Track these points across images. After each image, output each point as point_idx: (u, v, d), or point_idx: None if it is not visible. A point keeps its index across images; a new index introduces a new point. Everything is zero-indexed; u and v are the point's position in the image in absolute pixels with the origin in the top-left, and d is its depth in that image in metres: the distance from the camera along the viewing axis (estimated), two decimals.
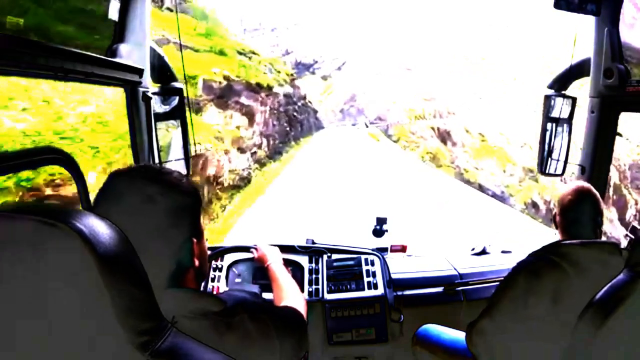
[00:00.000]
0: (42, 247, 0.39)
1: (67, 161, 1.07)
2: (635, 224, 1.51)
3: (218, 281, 1.67)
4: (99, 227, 0.42)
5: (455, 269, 1.80)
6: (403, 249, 1.95)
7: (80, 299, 0.40)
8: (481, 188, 16.35)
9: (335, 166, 16.13)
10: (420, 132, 24.85)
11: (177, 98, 1.56)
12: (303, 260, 1.75)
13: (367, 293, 1.65)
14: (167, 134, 1.60)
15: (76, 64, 1.02)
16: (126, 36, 1.32)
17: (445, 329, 1.40)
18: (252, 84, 14.63)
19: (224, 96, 11.73)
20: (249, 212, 10.09)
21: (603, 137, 1.49)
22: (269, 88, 17.08)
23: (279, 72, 21.67)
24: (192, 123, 1.61)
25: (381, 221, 1.94)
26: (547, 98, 1.62)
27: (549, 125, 1.62)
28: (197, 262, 0.69)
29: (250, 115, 13.67)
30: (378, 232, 1.94)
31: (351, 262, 1.75)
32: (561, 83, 1.65)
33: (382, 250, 1.89)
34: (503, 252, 2.05)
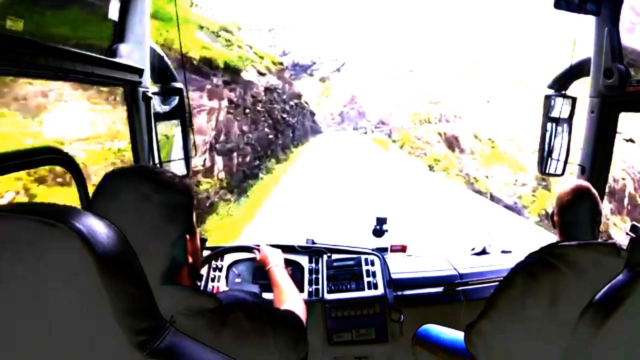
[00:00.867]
0: (41, 247, 0.39)
1: (67, 161, 1.07)
2: (635, 222, 1.50)
3: (218, 281, 1.67)
4: (98, 227, 0.42)
5: (455, 269, 1.80)
6: (403, 249, 1.95)
7: (79, 298, 0.40)
8: (493, 199, 15.29)
9: (335, 179, 13.63)
10: (426, 137, 23.31)
11: (177, 98, 1.56)
12: (303, 260, 1.75)
13: (367, 293, 1.65)
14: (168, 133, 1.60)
15: (76, 64, 1.02)
16: (126, 36, 1.32)
17: (445, 329, 1.40)
18: (195, 60, 8.58)
19: None
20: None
21: (603, 137, 1.49)
22: (233, 71, 10.78)
23: (261, 57, 15.78)
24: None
25: (381, 221, 1.94)
26: (547, 98, 1.62)
27: (549, 125, 1.62)
28: (190, 259, 0.70)
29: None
30: (378, 232, 1.94)
31: (351, 262, 1.75)
32: (561, 83, 1.65)
33: (382, 250, 1.89)
34: (503, 252, 2.05)
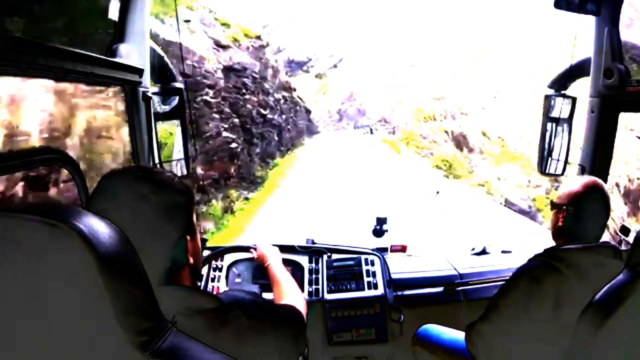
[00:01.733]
0: (42, 246, 0.39)
1: (66, 161, 1.07)
2: (625, 223, 1.50)
3: (218, 281, 1.67)
4: (99, 227, 0.42)
5: (455, 269, 1.80)
6: (403, 249, 1.95)
7: (80, 298, 0.40)
8: (507, 203, 13.87)
9: (337, 196, 10.68)
10: (432, 136, 21.22)
11: (177, 98, 1.56)
12: (303, 260, 1.75)
13: (367, 293, 1.65)
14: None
15: (76, 64, 1.02)
16: (126, 36, 1.31)
17: (445, 329, 1.40)
18: None
19: None
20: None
21: (603, 137, 1.49)
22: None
23: (225, 24, 11.09)
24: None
25: (381, 221, 1.94)
26: (547, 98, 1.62)
27: (549, 125, 1.62)
28: (191, 260, 0.70)
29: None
30: (378, 232, 1.94)
31: (351, 262, 1.75)
32: (561, 83, 1.65)
33: (382, 250, 1.89)
34: (503, 252, 2.05)
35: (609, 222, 1.10)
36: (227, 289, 1.64)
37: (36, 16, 1.12)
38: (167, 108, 1.55)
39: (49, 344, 0.41)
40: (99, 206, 0.61)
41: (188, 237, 0.69)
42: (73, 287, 0.40)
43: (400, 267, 1.81)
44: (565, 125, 1.60)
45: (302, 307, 0.92)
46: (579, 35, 1.54)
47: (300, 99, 24.86)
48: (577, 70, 1.60)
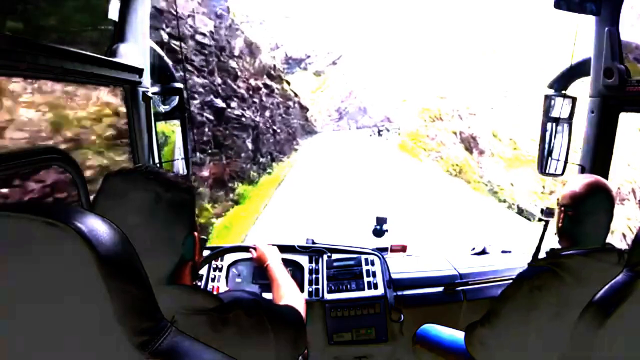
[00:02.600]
0: (42, 246, 0.39)
1: (66, 161, 1.07)
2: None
3: (218, 281, 1.68)
4: (99, 227, 0.42)
5: (455, 269, 1.80)
6: (403, 249, 1.95)
7: (79, 298, 0.40)
8: (520, 211, 12.57)
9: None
10: (440, 137, 19.45)
11: (177, 98, 1.56)
12: (303, 260, 1.75)
13: (367, 293, 1.65)
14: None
15: (76, 64, 1.02)
16: (126, 36, 1.32)
17: (445, 329, 1.40)
18: None
19: None
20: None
21: (603, 137, 1.49)
22: None
23: None
24: None
25: (381, 221, 1.94)
26: (547, 98, 1.62)
27: (549, 125, 1.62)
28: (196, 257, 0.72)
29: None
30: (378, 232, 1.94)
31: (351, 262, 1.75)
32: (561, 83, 1.65)
33: (382, 250, 1.89)
34: (503, 252, 2.05)
35: (626, 231, 1.07)
36: (227, 289, 1.64)
37: (36, 16, 1.12)
38: (167, 108, 1.55)
39: (49, 344, 0.41)
40: (105, 205, 0.62)
41: (196, 234, 0.71)
42: (72, 286, 0.40)
43: (400, 267, 1.81)
44: (565, 125, 1.60)
45: (301, 307, 0.93)
46: (579, 35, 1.54)
47: (296, 95, 20.77)
48: (577, 70, 1.60)
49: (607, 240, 1.06)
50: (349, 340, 1.60)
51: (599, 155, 1.50)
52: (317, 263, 1.74)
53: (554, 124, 1.61)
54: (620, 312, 0.67)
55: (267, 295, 1.11)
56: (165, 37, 6.55)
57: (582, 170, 1.53)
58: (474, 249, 2.06)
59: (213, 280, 1.68)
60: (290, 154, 15.48)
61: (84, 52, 1.06)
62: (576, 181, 1.08)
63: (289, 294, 1.01)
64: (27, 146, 2.13)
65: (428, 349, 1.38)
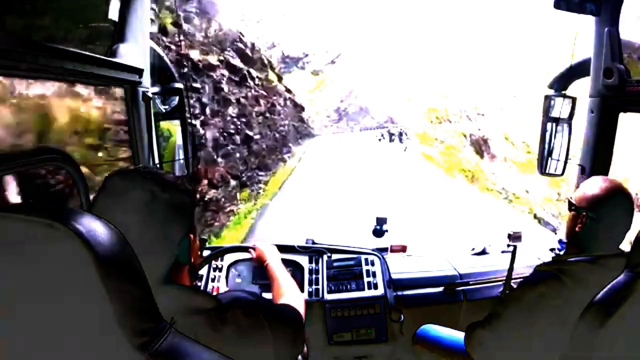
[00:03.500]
0: (40, 247, 0.39)
1: (67, 161, 1.07)
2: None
3: (218, 281, 1.68)
4: (97, 228, 0.42)
5: (455, 269, 1.80)
6: (403, 249, 1.95)
7: (78, 299, 0.40)
8: (538, 220, 11.44)
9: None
10: (449, 140, 17.68)
11: (177, 98, 1.56)
12: (303, 260, 1.75)
13: (367, 293, 1.65)
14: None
15: (76, 64, 1.02)
16: (126, 36, 1.31)
17: (445, 329, 1.40)
18: None
19: None
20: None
21: (603, 137, 1.49)
22: None
23: None
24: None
25: (381, 221, 1.94)
26: (547, 98, 1.62)
27: (549, 125, 1.62)
28: (192, 259, 0.72)
29: None
30: (378, 232, 1.94)
31: (351, 262, 1.75)
32: (561, 83, 1.65)
33: (382, 250, 1.89)
34: (503, 252, 2.05)
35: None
36: (227, 289, 1.64)
37: (36, 16, 1.12)
38: (167, 108, 1.55)
39: (49, 345, 0.41)
40: (104, 205, 0.62)
41: (192, 236, 0.70)
42: (71, 287, 0.40)
43: (400, 267, 1.80)
44: (565, 125, 1.60)
45: (300, 307, 0.93)
46: (579, 35, 1.54)
47: (287, 88, 17.04)
48: (577, 71, 1.60)
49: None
50: (349, 340, 1.60)
51: (599, 155, 1.50)
52: (317, 263, 1.74)
53: (554, 124, 1.61)
54: (621, 313, 0.67)
55: (267, 295, 1.11)
56: None
57: (582, 170, 1.53)
58: (474, 249, 2.06)
59: (213, 280, 1.68)
60: (276, 168, 11.71)
61: (84, 52, 1.06)
62: (593, 184, 1.04)
63: (288, 293, 1.01)
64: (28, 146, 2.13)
65: (428, 349, 1.38)
